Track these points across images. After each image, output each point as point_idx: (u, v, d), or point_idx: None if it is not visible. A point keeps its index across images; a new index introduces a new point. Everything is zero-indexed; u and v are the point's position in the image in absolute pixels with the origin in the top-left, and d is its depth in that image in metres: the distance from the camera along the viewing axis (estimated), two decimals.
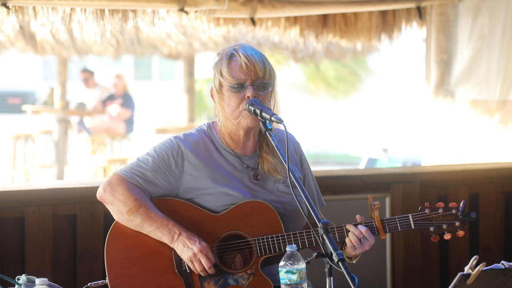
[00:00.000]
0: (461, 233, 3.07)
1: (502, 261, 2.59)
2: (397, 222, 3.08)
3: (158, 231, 3.02)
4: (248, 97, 3.02)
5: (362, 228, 3.02)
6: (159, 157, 3.10)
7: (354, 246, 3.02)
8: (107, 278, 3.05)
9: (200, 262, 2.98)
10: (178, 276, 3.03)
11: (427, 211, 3.09)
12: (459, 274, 2.46)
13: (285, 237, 3.04)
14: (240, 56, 3.05)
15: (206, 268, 2.99)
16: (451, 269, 4.97)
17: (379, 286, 4.82)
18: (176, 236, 3.01)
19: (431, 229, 3.08)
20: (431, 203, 3.13)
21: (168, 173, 3.10)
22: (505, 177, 5.14)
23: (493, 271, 2.55)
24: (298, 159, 3.27)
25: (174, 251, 3.04)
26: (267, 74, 3.07)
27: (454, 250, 4.98)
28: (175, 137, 3.16)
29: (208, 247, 2.99)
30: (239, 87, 3.04)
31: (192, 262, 2.99)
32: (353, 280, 2.50)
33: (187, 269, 3.03)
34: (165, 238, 3.02)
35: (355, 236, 3.01)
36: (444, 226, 3.07)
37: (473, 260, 2.49)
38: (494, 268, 2.55)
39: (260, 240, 3.03)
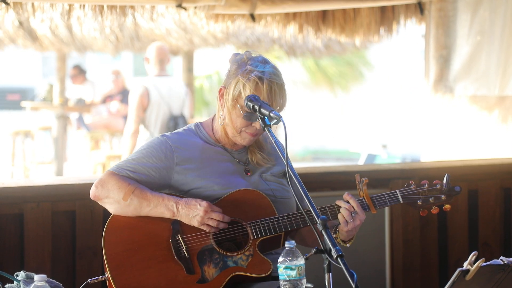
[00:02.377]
0: (448, 206, 3.16)
1: (501, 257, 2.59)
2: (386, 197, 3.16)
3: (157, 208, 3.08)
4: (255, 127, 3.11)
5: (353, 203, 3.08)
6: (148, 152, 3.17)
7: (346, 220, 3.07)
8: (107, 270, 3.06)
9: (212, 219, 3.04)
10: (178, 262, 3.06)
11: (413, 187, 3.17)
12: (458, 270, 2.46)
13: (279, 218, 3.10)
14: (264, 86, 3.10)
15: (221, 220, 3.05)
16: (450, 265, 4.97)
17: (378, 283, 4.83)
18: (175, 210, 3.07)
19: (419, 202, 3.15)
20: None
21: (159, 166, 3.15)
22: (504, 173, 5.14)
23: (492, 267, 2.55)
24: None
25: (172, 238, 3.08)
26: (282, 107, 3.15)
27: (453, 246, 4.98)
28: (162, 135, 3.23)
29: (208, 203, 3.04)
30: (251, 115, 3.10)
31: (205, 224, 3.05)
32: (352, 276, 2.50)
33: (186, 254, 3.07)
34: (166, 214, 3.08)
35: (346, 210, 3.07)
36: (431, 200, 3.16)
37: (472, 256, 2.49)
38: (493, 264, 2.55)
39: (255, 223, 3.09)
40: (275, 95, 3.11)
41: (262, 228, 3.08)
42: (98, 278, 3.11)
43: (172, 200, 3.08)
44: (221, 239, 3.10)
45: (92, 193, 3.16)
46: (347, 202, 3.09)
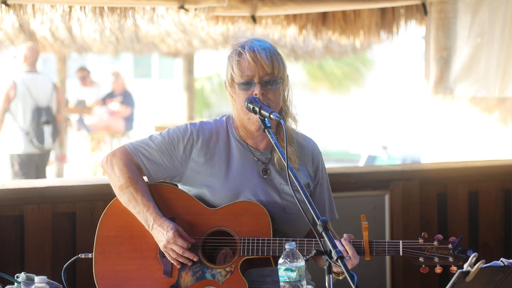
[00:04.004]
0: (454, 269, 3.00)
1: (502, 259, 2.58)
2: (386, 246, 3.01)
3: (139, 215, 3.09)
4: (256, 94, 3.05)
5: (347, 246, 2.97)
6: (170, 139, 3.15)
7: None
8: (93, 251, 3.13)
9: (173, 250, 3.02)
10: (159, 261, 3.08)
11: (420, 240, 3.01)
12: (458, 271, 2.46)
13: (271, 241, 3.03)
14: (246, 54, 3.08)
15: (180, 253, 3.02)
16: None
17: (378, 283, 4.83)
18: (151, 225, 3.07)
19: (421, 259, 3.00)
20: (430, 234, 3.04)
21: (174, 156, 3.14)
22: (504, 174, 5.14)
23: (492, 268, 2.54)
24: (314, 166, 3.27)
25: None
26: (276, 69, 3.09)
27: None
28: (191, 124, 3.21)
29: (175, 234, 3.01)
30: (247, 84, 3.08)
31: (166, 252, 3.05)
32: (352, 277, 2.50)
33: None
34: (145, 225, 3.09)
35: None
36: (436, 259, 3.00)
37: (472, 257, 2.49)
38: (493, 266, 2.55)
39: (246, 241, 3.04)
40: (262, 58, 3.06)
41: (250, 248, 3.03)
42: (88, 255, 3.20)
43: (153, 216, 3.06)
44: (210, 249, 3.08)
45: (102, 163, 3.20)
46: (343, 245, 2.97)
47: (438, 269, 3.01)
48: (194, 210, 3.10)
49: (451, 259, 3.00)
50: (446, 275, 4.95)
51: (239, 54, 3.09)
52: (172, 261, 3.05)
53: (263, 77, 3.07)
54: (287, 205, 3.14)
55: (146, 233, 3.09)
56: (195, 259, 3.04)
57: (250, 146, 3.18)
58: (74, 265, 4.14)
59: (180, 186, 3.22)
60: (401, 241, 3.01)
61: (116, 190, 3.14)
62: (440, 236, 3.01)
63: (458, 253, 3.00)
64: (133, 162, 3.14)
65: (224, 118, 3.26)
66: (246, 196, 3.11)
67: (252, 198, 3.11)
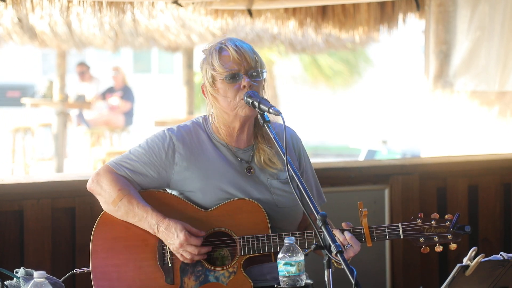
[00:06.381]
0: (453, 246, 3.00)
1: (501, 253, 2.58)
2: (386, 230, 3.02)
3: (141, 223, 3.04)
4: (244, 86, 3.01)
5: (348, 235, 2.97)
6: (150, 149, 3.11)
7: None
8: (90, 266, 3.07)
9: (187, 252, 2.98)
10: (160, 269, 3.04)
11: (419, 221, 3.02)
12: (458, 265, 2.46)
13: (271, 237, 3.01)
14: (229, 48, 3.04)
15: (196, 254, 2.98)
16: (450, 261, 4.97)
17: (378, 279, 4.83)
18: (156, 229, 3.02)
19: (421, 240, 3.00)
20: (426, 213, 3.05)
21: (158, 165, 3.09)
22: (504, 168, 5.14)
23: (492, 262, 2.54)
24: (296, 155, 3.24)
25: (159, 244, 3.05)
26: (259, 63, 3.06)
27: None
28: (168, 129, 3.15)
29: (186, 236, 2.97)
30: (233, 77, 3.03)
31: (179, 254, 3.01)
32: (351, 272, 2.49)
33: (169, 263, 3.04)
34: (149, 230, 3.04)
35: (340, 242, 2.93)
36: (435, 238, 3.00)
37: (472, 252, 2.49)
38: (493, 260, 2.55)
39: (245, 239, 3.01)
40: (245, 51, 3.03)
41: (251, 246, 3.01)
42: (83, 270, 3.15)
43: (155, 219, 3.01)
44: (210, 251, 3.04)
45: (88, 185, 3.14)
46: (343, 233, 2.97)
47: (438, 248, 3.01)
48: (188, 213, 3.06)
49: (450, 236, 3.00)
50: (446, 270, 4.97)
51: (220, 51, 3.05)
52: (185, 261, 3.01)
53: (248, 70, 3.03)
54: (278, 199, 3.11)
55: (143, 241, 3.05)
56: (210, 250, 3.01)
57: (231, 146, 3.14)
58: (74, 262, 4.14)
59: (168, 191, 3.17)
60: (400, 224, 3.02)
61: (109, 207, 3.08)
62: (436, 215, 3.02)
63: (457, 230, 3.00)
64: (119, 175, 3.09)
65: (200, 119, 3.20)
66: (236, 195, 3.07)
67: (243, 196, 3.08)
